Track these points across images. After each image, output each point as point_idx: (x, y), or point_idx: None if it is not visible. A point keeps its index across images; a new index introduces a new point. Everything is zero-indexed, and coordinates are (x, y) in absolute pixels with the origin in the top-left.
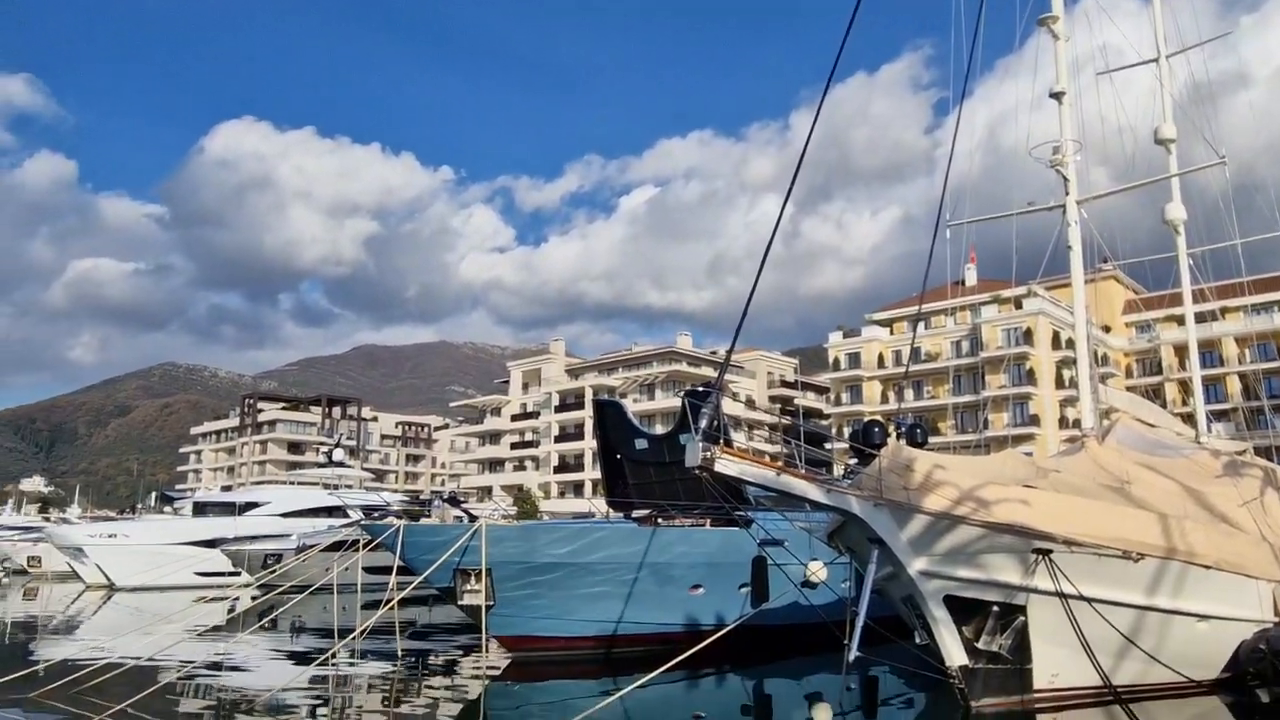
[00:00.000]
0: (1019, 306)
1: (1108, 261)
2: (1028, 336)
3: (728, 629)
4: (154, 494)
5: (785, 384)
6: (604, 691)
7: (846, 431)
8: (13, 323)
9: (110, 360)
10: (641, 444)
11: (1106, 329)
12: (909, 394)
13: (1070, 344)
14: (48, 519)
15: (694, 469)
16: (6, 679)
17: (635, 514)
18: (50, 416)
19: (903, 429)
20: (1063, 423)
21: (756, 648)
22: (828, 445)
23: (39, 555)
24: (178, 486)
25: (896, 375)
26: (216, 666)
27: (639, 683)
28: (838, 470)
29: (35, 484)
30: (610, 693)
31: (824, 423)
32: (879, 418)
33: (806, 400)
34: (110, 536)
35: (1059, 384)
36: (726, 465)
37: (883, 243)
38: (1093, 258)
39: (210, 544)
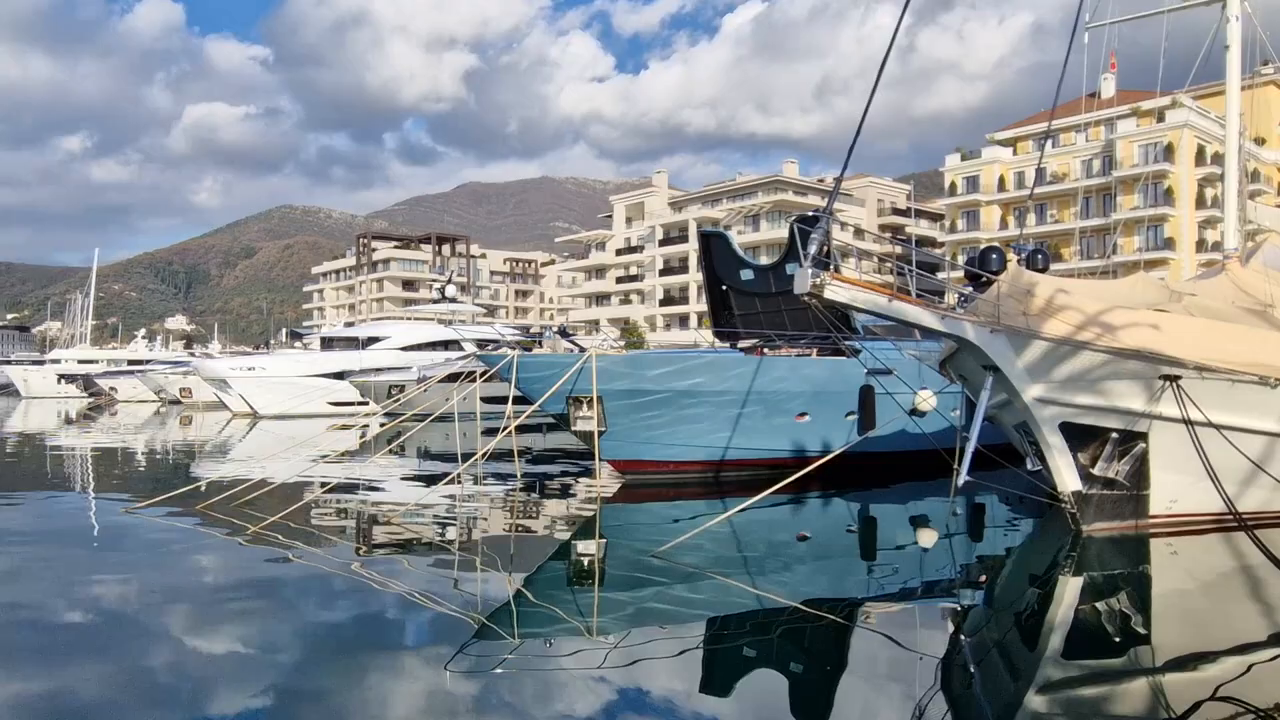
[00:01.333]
0: (1161, 119)
1: (1269, 64)
2: (1168, 152)
3: (834, 455)
4: (283, 330)
5: (896, 211)
6: (712, 512)
7: (961, 259)
8: (142, 169)
9: (233, 204)
10: (747, 274)
11: (1261, 141)
12: (1031, 218)
13: (1216, 159)
14: (192, 354)
15: (803, 296)
16: (175, 494)
17: (741, 344)
18: (184, 259)
19: (1023, 255)
20: (1200, 246)
21: (863, 474)
22: (940, 274)
23: (189, 387)
24: (304, 324)
25: (1019, 199)
26: (353, 486)
27: (746, 504)
28: (950, 299)
29: (179, 322)
30: (718, 514)
31: (937, 251)
32: (997, 244)
33: (919, 228)
34: (250, 370)
35: (1199, 204)
36: (836, 292)
37: (1008, 55)
38: (1252, 60)
39: (338, 376)
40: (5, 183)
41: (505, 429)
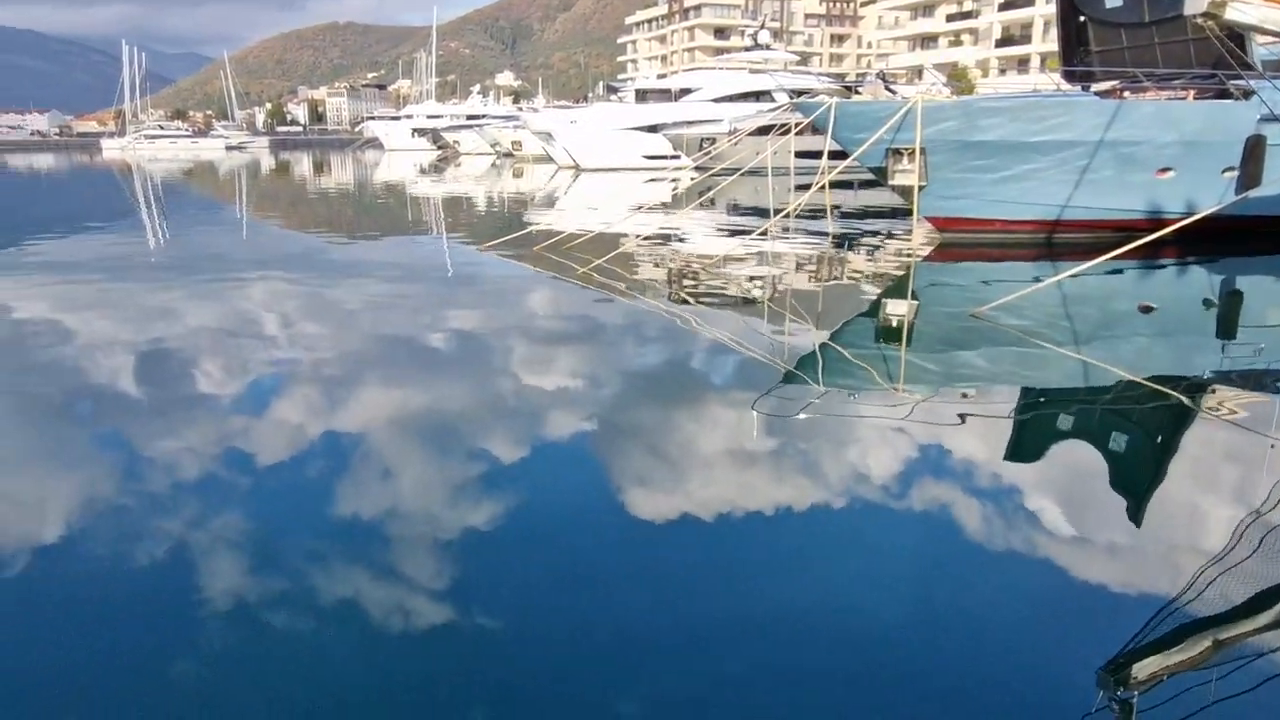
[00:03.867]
0: None
1: None
2: None
3: (1200, 216)
4: (600, 83)
5: None
6: (1037, 277)
7: None
8: None
9: None
10: (1114, 1)
11: None
12: None
13: None
14: (520, 109)
15: (1195, 18)
16: (510, 237)
17: (1096, 87)
18: (509, 14)
19: None
20: None
21: (1234, 239)
22: None
23: (520, 140)
24: (619, 77)
25: None
26: (666, 237)
27: (1083, 268)
28: None
29: (507, 78)
30: (1048, 277)
31: None
32: None
33: None
34: (572, 122)
35: None
36: (1241, 12)
37: None
38: None
39: (652, 129)
40: None
41: (818, 183)
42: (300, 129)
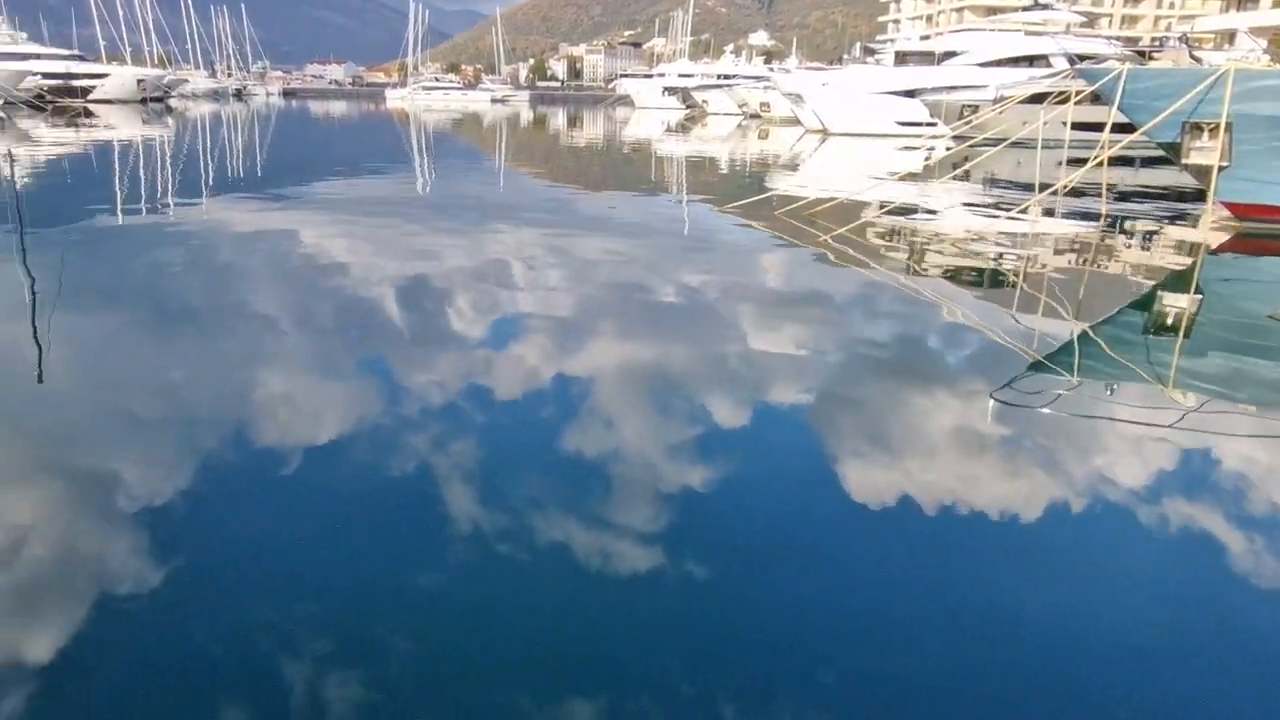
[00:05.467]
0: None
1: None
2: None
3: None
4: (856, 45)
5: None
6: None
7: None
8: None
9: None
10: None
11: None
12: None
13: None
14: (771, 70)
15: None
16: (750, 200)
17: None
18: None
19: None
20: None
21: None
22: None
23: (769, 101)
24: (878, 38)
25: None
26: (913, 208)
27: None
28: None
29: (760, 38)
30: None
31: None
32: None
33: None
34: (823, 85)
35: None
36: None
37: None
38: None
39: (909, 94)
40: None
41: (1095, 158)
42: (558, 84)
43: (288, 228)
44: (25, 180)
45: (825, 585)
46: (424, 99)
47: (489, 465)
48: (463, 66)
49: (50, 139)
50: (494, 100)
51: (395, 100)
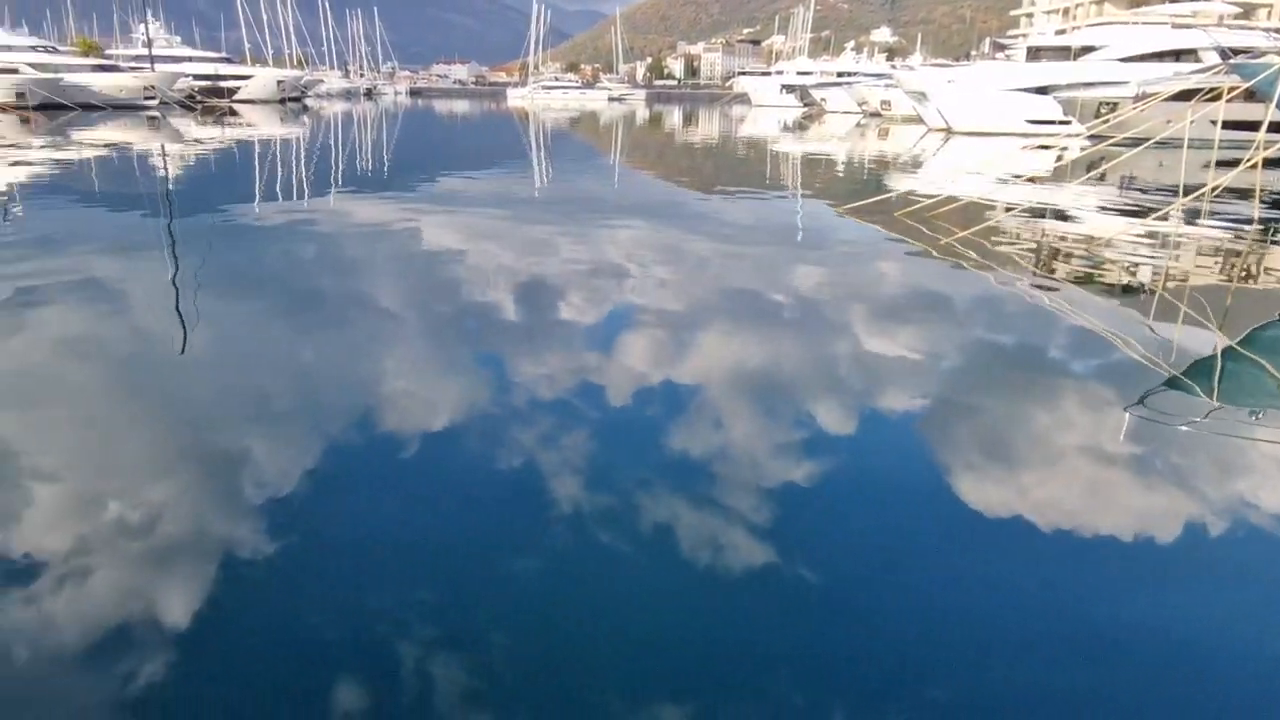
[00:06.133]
0: None
1: None
2: None
3: None
4: (985, 40)
5: None
6: None
7: None
8: None
9: None
10: None
11: None
12: None
13: None
14: (894, 67)
15: None
16: (868, 200)
17: None
18: None
19: None
20: None
21: None
22: None
23: (889, 100)
24: (1009, 33)
25: None
26: (1041, 211)
27: None
28: None
29: (883, 34)
30: None
31: None
32: None
33: None
34: (949, 82)
35: None
36: None
37: None
38: None
39: (1041, 91)
40: None
41: (1249, 160)
42: (675, 83)
43: (409, 221)
44: (175, 174)
45: (942, 600)
46: (543, 98)
47: (596, 460)
48: (582, 65)
49: (198, 136)
50: (611, 99)
51: (515, 99)
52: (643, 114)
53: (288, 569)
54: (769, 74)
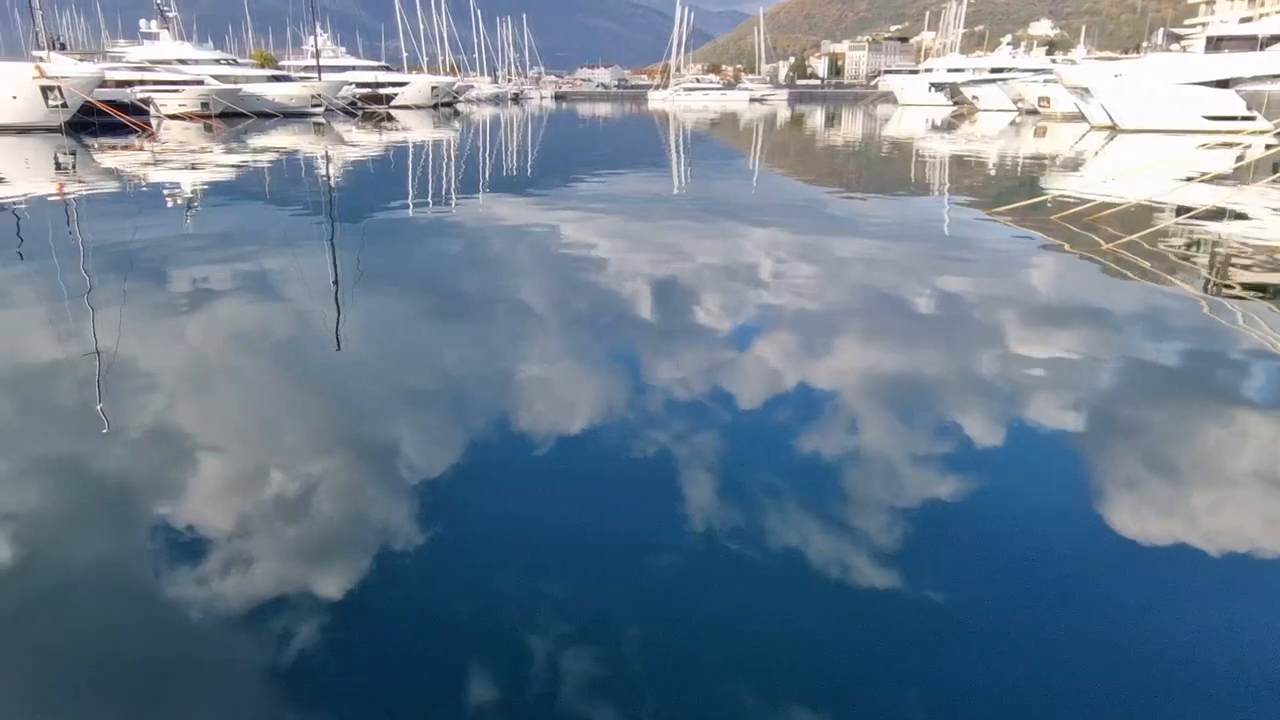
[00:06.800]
0: None
1: None
2: None
3: None
4: (1159, 31)
5: None
6: None
7: None
8: None
9: None
10: None
11: None
12: None
13: None
14: (1054, 61)
15: None
16: (1023, 203)
17: None
18: None
19: None
20: None
21: None
22: None
23: (1048, 96)
24: (1185, 22)
25: None
26: (1218, 216)
27: None
28: None
29: (1042, 28)
30: None
31: None
32: None
33: None
34: (1116, 76)
35: None
36: None
37: None
38: None
39: (1222, 84)
40: None
41: None
42: (819, 82)
43: (550, 222)
44: (336, 176)
45: (1092, 633)
46: (684, 100)
47: (731, 463)
48: (723, 67)
49: (358, 140)
50: (752, 100)
51: (656, 101)
52: (784, 114)
53: (431, 553)
54: (916, 72)
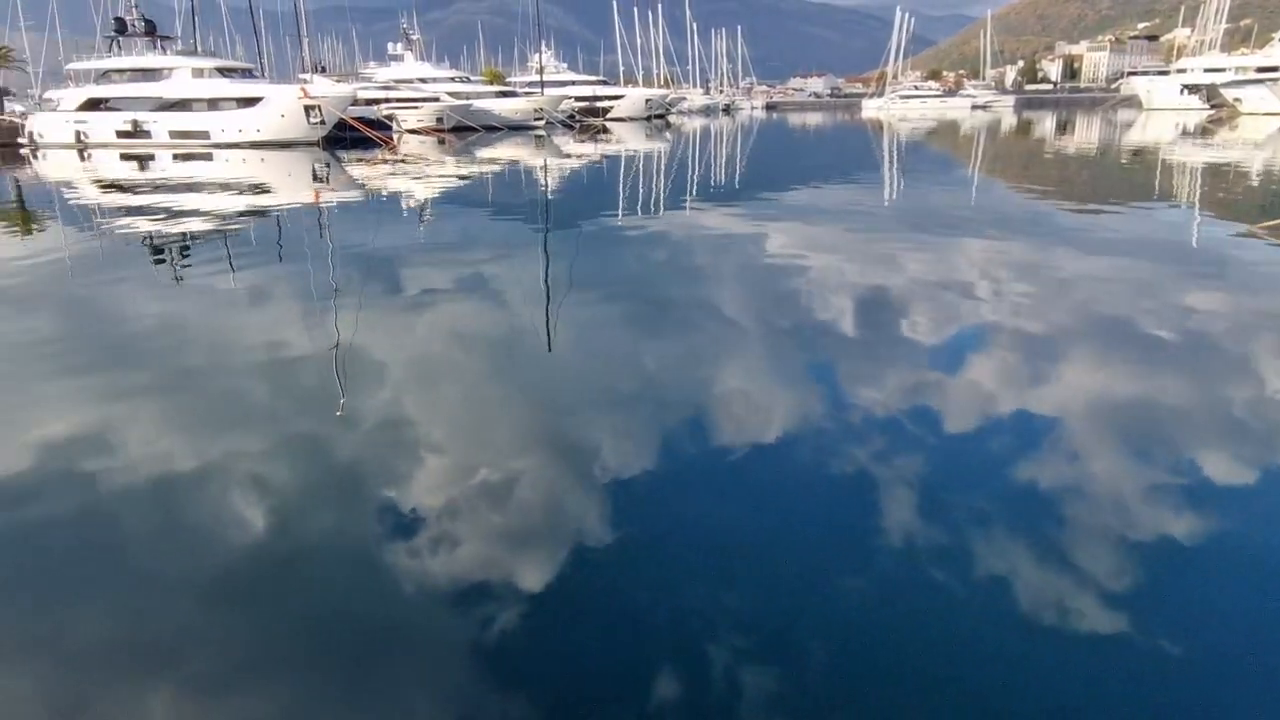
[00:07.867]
0: None
1: None
2: None
3: None
4: None
5: None
6: None
7: None
8: None
9: None
10: None
11: None
12: None
13: None
14: None
15: None
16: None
17: None
18: None
19: None
20: None
21: None
22: None
23: None
24: None
25: None
26: None
27: None
28: None
29: None
30: None
31: None
32: None
33: None
34: None
35: None
36: None
37: None
38: None
39: None
40: None
41: None
42: (1050, 87)
43: (755, 232)
44: (554, 186)
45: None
46: (899, 108)
47: (930, 485)
48: (944, 73)
49: (575, 152)
50: (974, 106)
51: (870, 110)
52: (1009, 122)
53: (622, 550)
54: (1167, 72)
